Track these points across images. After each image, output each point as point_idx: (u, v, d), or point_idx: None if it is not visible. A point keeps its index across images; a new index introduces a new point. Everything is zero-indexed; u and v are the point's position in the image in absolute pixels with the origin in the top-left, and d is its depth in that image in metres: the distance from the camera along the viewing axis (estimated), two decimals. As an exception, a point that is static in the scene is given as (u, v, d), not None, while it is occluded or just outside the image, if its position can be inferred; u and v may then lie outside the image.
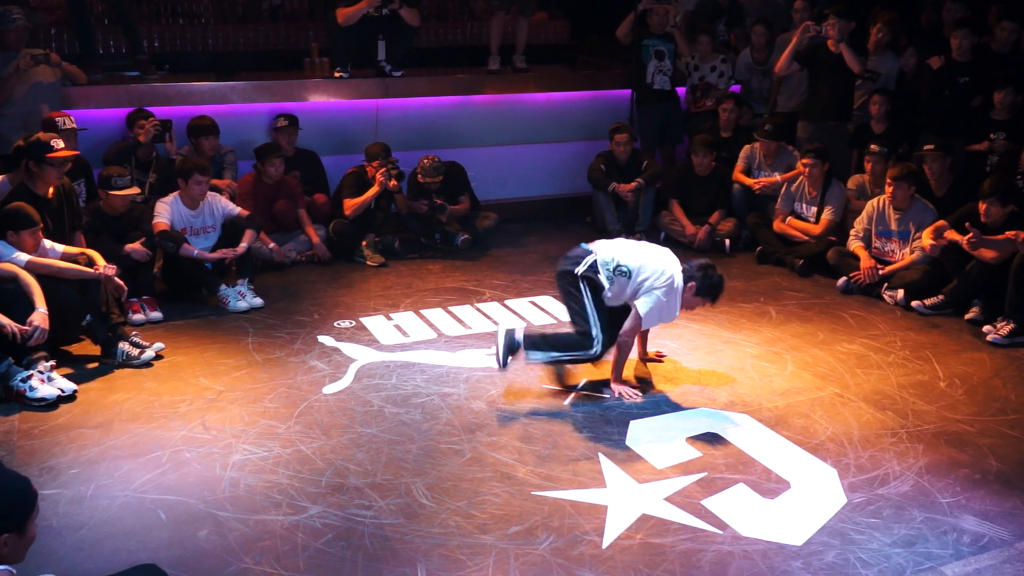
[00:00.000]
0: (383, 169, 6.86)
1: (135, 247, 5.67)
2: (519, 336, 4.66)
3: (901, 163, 6.42)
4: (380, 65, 7.71)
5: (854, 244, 6.45)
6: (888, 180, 6.26)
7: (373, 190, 6.88)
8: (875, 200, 6.46)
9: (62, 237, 5.29)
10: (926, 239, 5.96)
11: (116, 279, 5.03)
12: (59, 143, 5.25)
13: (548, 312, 5.92)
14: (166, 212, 5.92)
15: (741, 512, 3.65)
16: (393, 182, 6.84)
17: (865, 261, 6.32)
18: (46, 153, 5.16)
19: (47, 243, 5.02)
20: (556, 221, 8.25)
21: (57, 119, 5.91)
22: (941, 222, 5.95)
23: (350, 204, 6.90)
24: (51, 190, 5.31)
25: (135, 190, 5.86)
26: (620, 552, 3.38)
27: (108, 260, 5.15)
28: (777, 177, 7.30)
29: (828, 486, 3.85)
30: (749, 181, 7.44)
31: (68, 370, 4.86)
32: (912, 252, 6.22)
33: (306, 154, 7.31)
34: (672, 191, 7.62)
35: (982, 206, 5.78)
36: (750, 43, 8.34)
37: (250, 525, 3.51)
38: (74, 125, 5.98)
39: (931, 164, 6.46)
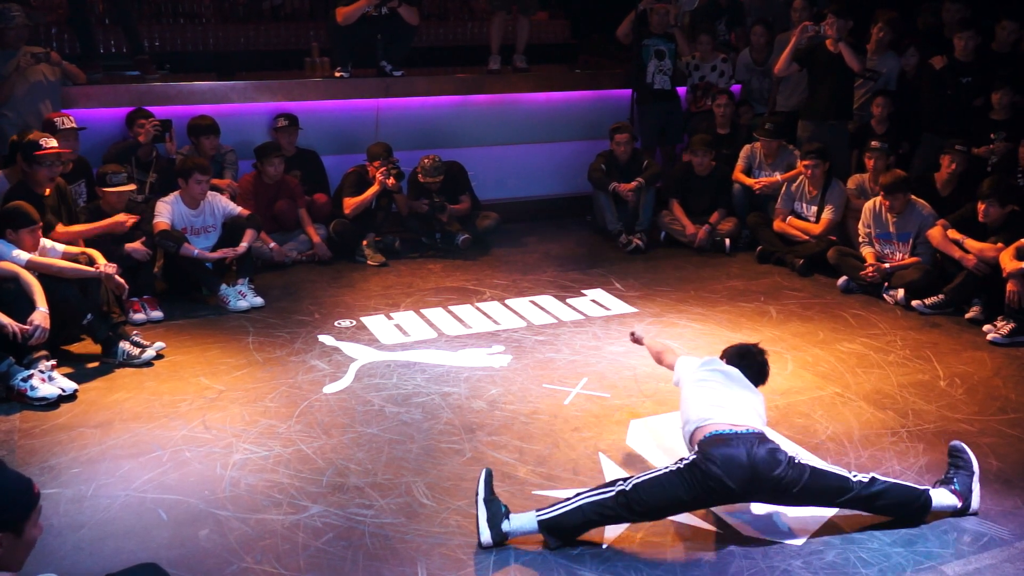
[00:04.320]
0: (383, 168, 6.86)
1: (135, 246, 5.67)
2: None
3: (890, 172, 6.34)
4: (380, 65, 7.72)
5: (865, 251, 6.42)
6: (881, 192, 6.25)
7: (373, 189, 6.89)
8: (871, 202, 6.44)
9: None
10: (1007, 262, 5.45)
11: (117, 277, 5.03)
12: (50, 141, 5.25)
13: (548, 312, 5.93)
14: (167, 212, 5.92)
15: (741, 511, 3.64)
16: (391, 180, 6.85)
17: (872, 258, 6.32)
18: (34, 151, 5.17)
19: (47, 242, 5.03)
20: (557, 221, 8.26)
21: (56, 119, 5.92)
22: (1021, 241, 5.53)
23: (350, 203, 6.90)
24: (47, 189, 5.31)
25: (131, 186, 5.86)
26: (620, 551, 3.38)
27: (108, 259, 5.16)
28: (777, 177, 7.30)
29: (828, 485, 3.85)
30: (749, 181, 7.44)
31: (69, 369, 4.87)
32: (914, 254, 6.23)
33: (307, 154, 7.31)
34: (672, 191, 7.62)
35: (980, 206, 5.78)
36: (749, 43, 8.34)
37: (251, 524, 3.51)
38: (73, 125, 5.99)
39: (957, 159, 6.36)
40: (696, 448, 3.41)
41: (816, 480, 3.38)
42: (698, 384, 3.69)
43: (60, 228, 5.34)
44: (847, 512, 3.62)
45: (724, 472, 3.27)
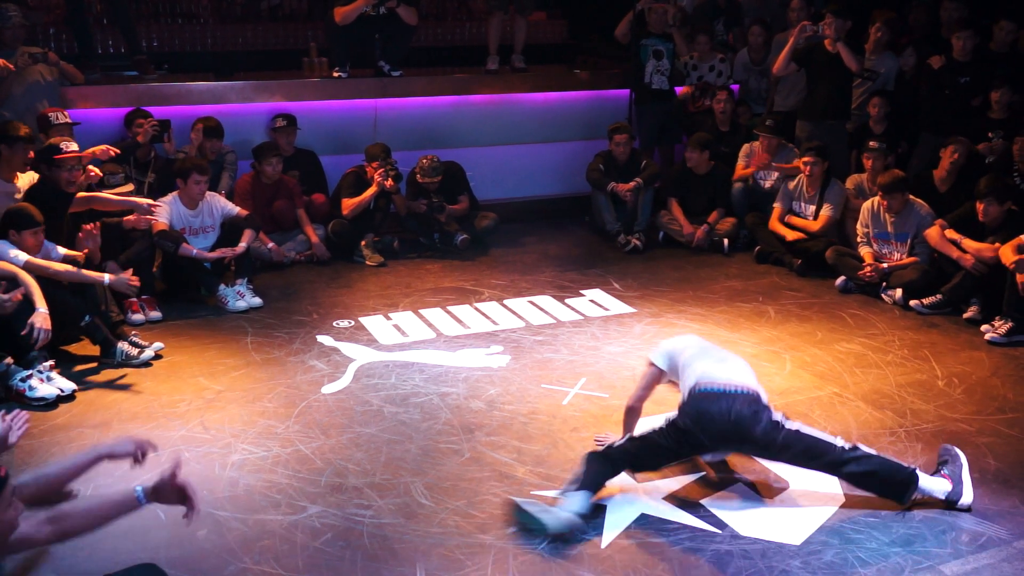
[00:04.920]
0: (381, 170, 6.86)
1: (134, 219, 5.64)
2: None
3: (887, 172, 6.35)
4: (379, 65, 7.71)
5: (864, 250, 6.42)
6: (879, 192, 6.25)
7: (371, 190, 6.89)
8: (870, 202, 6.44)
9: (69, 240, 5.33)
10: (1008, 256, 5.44)
11: (124, 275, 5.05)
12: (70, 145, 5.27)
13: (547, 312, 5.93)
14: (165, 212, 5.91)
15: (740, 511, 3.65)
16: (390, 182, 6.85)
17: (870, 259, 6.32)
18: (54, 155, 5.19)
19: (48, 244, 5.03)
20: (555, 221, 8.26)
21: (50, 114, 5.93)
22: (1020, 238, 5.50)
23: (348, 204, 6.90)
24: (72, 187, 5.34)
25: (129, 186, 5.87)
26: (619, 552, 3.39)
27: (109, 257, 5.19)
28: (773, 164, 7.28)
29: (826, 485, 3.85)
30: (747, 171, 7.44)
31: (67, 370, 4.86)
32: (912, 253, 6.23)
33: (305, 154, 7.31)
34: (671, 190, 7.62)
35: (979, 206, 5.78)
36: (747, 43, 8.35)
37: (249, 525, 3.52)
38: (68, 120, 5.99)
39: (960, 151, 6.37)
40: (684, 397, 3.58)
41: (799, 439, 3.52)
42: (701, 351, 3.82)
43: (83, 194, 5.41)
44: (846, 511, 3.64)
45: (699, 427, 3.48)
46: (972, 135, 6.73)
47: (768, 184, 7.40)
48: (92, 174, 5.63)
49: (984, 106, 6.92)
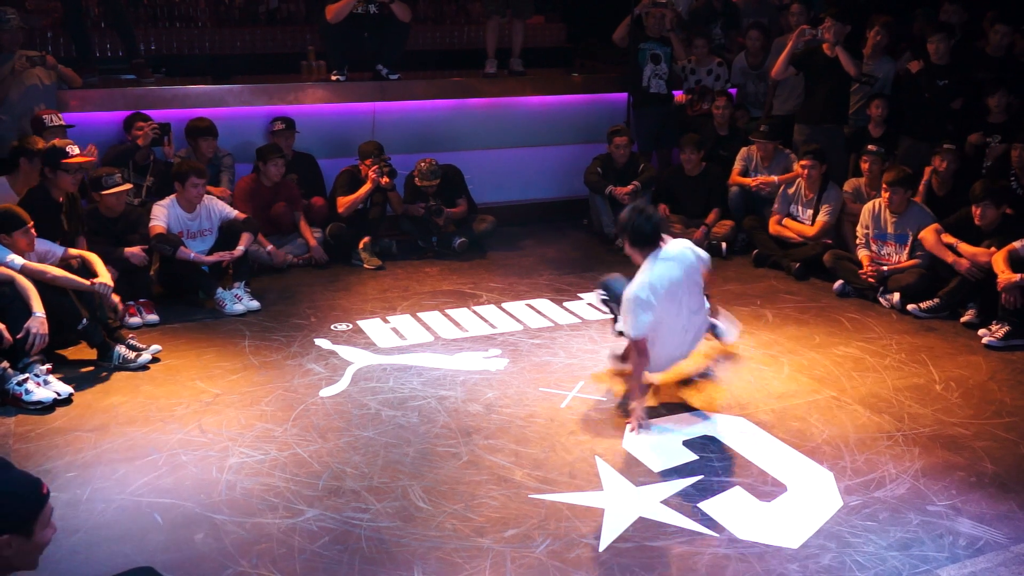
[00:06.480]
0: (375, 167, 6.87)
1: (134, 251, 5.67)
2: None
3: (896, 167, 6.42)
4: (377, 69, 7.72)
5: (861, 253, 6.43)
6: (884, 186, 6.27)
7: (366, 187, 6.89)
8: (871, 203, 6.46)
9: (69, 241, 5.34)
10: (1005, 273, 5.45)
11: (112, 296, 5.05)
12: (74, 149, 5.28)
13: (545, 315, 5.93)
14: (163, 215, 5.92)
15: (737, 515, 3.65)
16: (385, 179, 6.85)
17: (867, 260, 6.33)
18: (61, 159, 5.19)
19: (44, 244, 5.03)
20: (553, 224, 8.26)
21: (44, 116, 5.95)
22: (1013, 245, 5.54)
23: (343, 202, 6.91)
24: (62, 196, 5.36)
25: (127, 186, 5.86)
26: (616, 555, 3.38)
27: (106, 263, 5.17)
28: (774, 179, 7.31)
29: (824, 489, 3.86)
30: (747, 180, 7.45)
31: (64, 373, 4.85)
32: (912, 257, 6.23)
33: (303, 157, 7.31)
34: (660, 196, 7.62)
35: (976, 210, 5.79)
36: (744, 47, 8.36)
37: (246, 528, 3.51)
38: (62, 122, 6.01)
39: (949, 160, 6.43)
40: None
41: None
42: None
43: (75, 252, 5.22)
44: (844, 515, 3.64)
45: None
46: (954, 139, 6.71)
47: (765, 188, 7.40)
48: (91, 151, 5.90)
49: (965, 109, 6.92)
